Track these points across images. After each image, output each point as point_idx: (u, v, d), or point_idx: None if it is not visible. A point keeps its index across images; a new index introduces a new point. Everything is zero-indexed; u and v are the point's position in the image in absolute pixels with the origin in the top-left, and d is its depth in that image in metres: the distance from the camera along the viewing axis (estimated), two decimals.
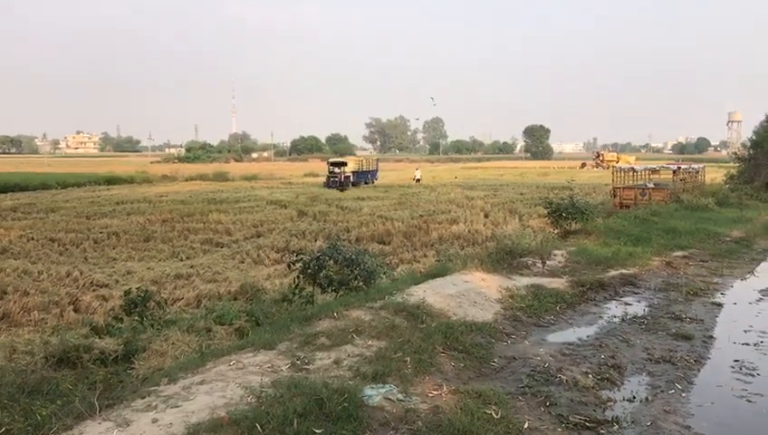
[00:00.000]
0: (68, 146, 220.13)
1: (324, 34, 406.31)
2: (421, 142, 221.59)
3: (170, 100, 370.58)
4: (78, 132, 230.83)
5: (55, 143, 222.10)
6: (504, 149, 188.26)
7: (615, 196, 30.18)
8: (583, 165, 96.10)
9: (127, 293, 10.16)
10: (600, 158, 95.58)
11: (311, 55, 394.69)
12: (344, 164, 54.29)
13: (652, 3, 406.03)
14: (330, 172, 52.93)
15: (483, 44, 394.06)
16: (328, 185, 50.73)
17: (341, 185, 50.17)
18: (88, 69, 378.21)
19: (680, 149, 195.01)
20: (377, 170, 60.58)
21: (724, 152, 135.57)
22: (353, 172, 54.12)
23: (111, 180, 56.87)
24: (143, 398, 5.58)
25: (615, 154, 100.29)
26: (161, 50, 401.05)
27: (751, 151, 39.10)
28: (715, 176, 40.44)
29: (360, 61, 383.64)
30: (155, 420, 5.05)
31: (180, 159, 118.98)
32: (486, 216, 30.49)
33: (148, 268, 19.17)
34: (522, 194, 42.05)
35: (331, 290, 10.49)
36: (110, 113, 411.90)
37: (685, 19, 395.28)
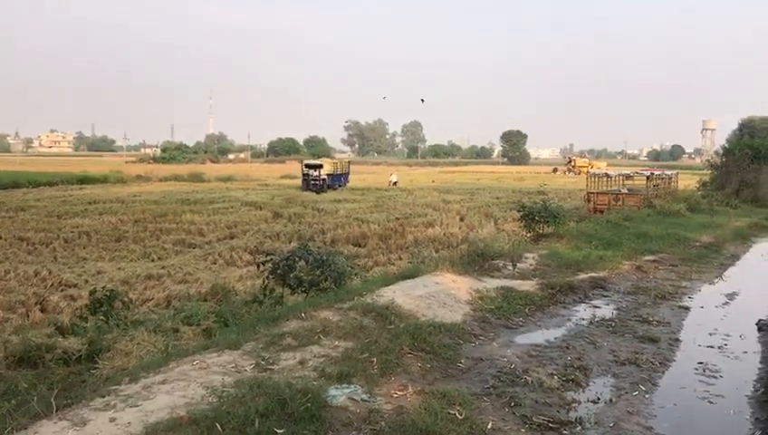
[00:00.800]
0: (41, 145, 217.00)
1: (303, 37, 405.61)
2: (400, 146, 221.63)
3: (146, 99, 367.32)
4: (52, 131, 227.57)
5: (28, 142, 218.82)
6: (481, 154, 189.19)
7: (589, 201, 30.51)
8: (555, 170, 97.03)
9: (92, 292, 10.02)
10: (572, 163, 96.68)
11: (289, 57, 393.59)
12: (320, 166, 53.04)
13: (628, 11, 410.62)
14: (305, 175, 51.71)
15: (462, 49, 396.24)
16: (307, 187, 49.31)
17: (321, 188, 48.81)
18: (62, 68, 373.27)
19: (655, 156, 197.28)
20: (348, 173, 59.11)
21: (698, 160, 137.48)
22: (328, 175, 52.65)
23: (85, 180, 56.15)
24: (102, 397, 5.49)
25: (587, 160, 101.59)
26: (137, 49, 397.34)
27: (723, 159, 39.75)
28: (689, 183, 40.99)
29: (338, 63, 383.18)
30: (113, 420, 4.96)
31: (155, 160, 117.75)
32: (462, 219, 30.63)
33: (119, 268, 18.97)
34: (498, 198, 42.27)
35: (301, 291, 10.44)
36: (84, 112, 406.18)
37: (661, 29, 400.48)
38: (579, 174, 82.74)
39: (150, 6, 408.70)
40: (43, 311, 13.89)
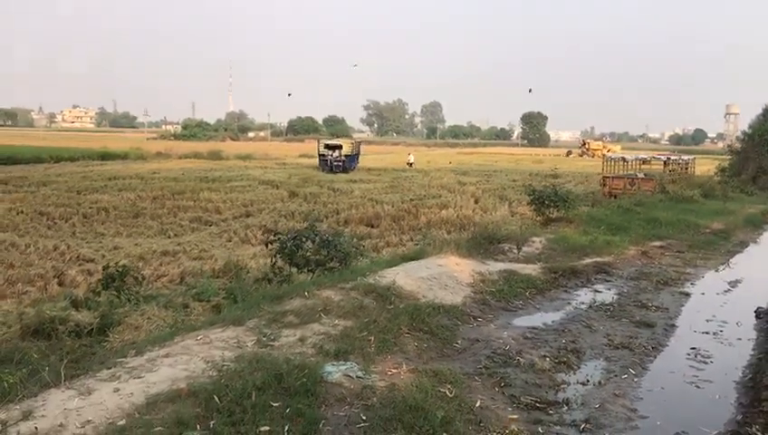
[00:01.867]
0: (64, 120, 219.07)
1: (324, 16, 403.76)
2: (419, 126, 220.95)
3: (168, 76, 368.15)
4: (74, 107, 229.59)
5: (51, 117, 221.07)
6: (501, 136, 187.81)
7: (605, 185, 30.42)
8: (569, 153, 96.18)
9: (105, 267, 10.34)
10: (586, 146, 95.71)
11: (310, 36, 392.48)
12: (340, 147, 51.38)
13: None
14: (321, 155, 49.98)
15: (483, 30, 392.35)
16: (330, 169, 47.08)
17: (343, 169, 47.19)
18: (85, 43, 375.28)
19: (677, 140, 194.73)
20: (359, 154, 54.46)
21: (720, 144, 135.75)
22: (347, 156, 50.17)
23: (105, 156, 56.75)
24: (109, 369, 5.79)
25: (600, 143, 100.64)
26: (159, 26, 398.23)
27: (743, 144, 39.31)
28: (708, 168, 40.66)
29: (359, 42, 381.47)
30: (116, 390, 5.26)
31: (176, 137, 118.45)
32: (477, 201, 30.66)
33: (136, 244, 19.31)
34: (514, 181, 42.13)
35: (308, 270, 10.69)
36: (107, 88, 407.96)
37: (686, 11, 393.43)
38: (593, 157, 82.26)
39: None
40: (60, 284, 14.25)
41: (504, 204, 29.50)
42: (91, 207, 25.45)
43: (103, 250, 18.28)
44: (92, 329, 8.45)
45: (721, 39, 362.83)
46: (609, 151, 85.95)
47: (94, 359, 6.30)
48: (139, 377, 5.58)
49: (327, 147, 51.69)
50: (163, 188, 32.58)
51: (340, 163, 48.46)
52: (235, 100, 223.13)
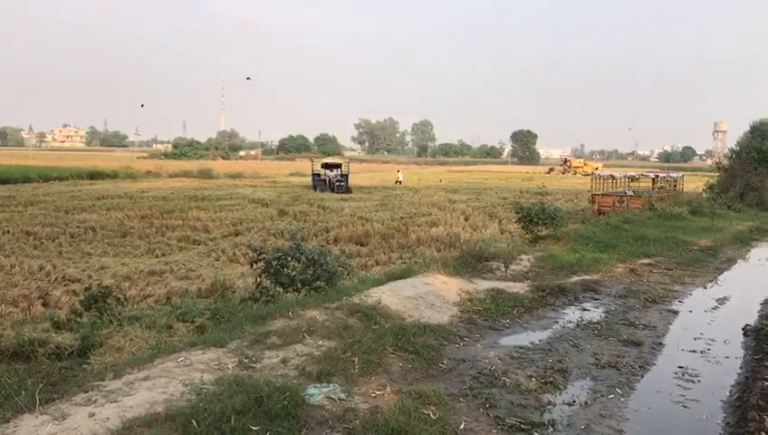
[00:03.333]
0: (54, 139, 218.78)
1: (314, 35, 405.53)
2: (410, 144, 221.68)
3: (159, 95, 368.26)
4: (65, 126, 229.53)
5: (41, 136, 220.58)
6: (491, 154, 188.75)
7: (594, 202, 30.51)
8: (551, 170, 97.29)
9: (88, 288, 10.23)
10: (568, 164, 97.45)
11: (301, 55, 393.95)
12: (339, 166, 49.24)
13: (640, 14, 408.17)
14: (315, 174, 48.06)
15: (474, 49, 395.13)
16: (331, 190, 44.92)
17: (344, 189, 45.09)
18: (75, 63, 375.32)
19: (666, 157, 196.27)
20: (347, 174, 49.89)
21: (709, 161, 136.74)
22: (344, 175, 47.89)
23: (95, 175, 56.59)
24: (85, 392, 5.67)
25: (581, 160, 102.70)
26: (150, 46, 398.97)
27: (731, 161, 39.57)
28: (697, 185, 40.87)
29: (349, 61, 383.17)
30: (92, 415, 5.14)
31: (167, 156, 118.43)
32: (467, 219, 30.65)
33: (123, 264, 19.16)
34: (504, 198, 42.22)
35: (294, 290, 10.59)
36: (97, 107, 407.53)
37: (675, 29, 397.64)
38: (574, 174, 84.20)
39: (161, 4, 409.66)
40: (45, 305, 14.07)
41: (493, 221, 29.50)
42: (78, 227, 25.28)
43: (90, 270, 18.11)
44: (73, 351, 8.31)
45: (710, 57, 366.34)
46: (587, 167, 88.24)
47: (72, 382, 6.17)
48: (116, 401, 5.46)
49: (326, 166, 49.55)
50: (152, 207, 32.45)
51: (343, 183, 46.35)
52: (226, 119, 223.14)
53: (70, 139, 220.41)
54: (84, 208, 31.72)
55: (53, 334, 8.76)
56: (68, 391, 5.71)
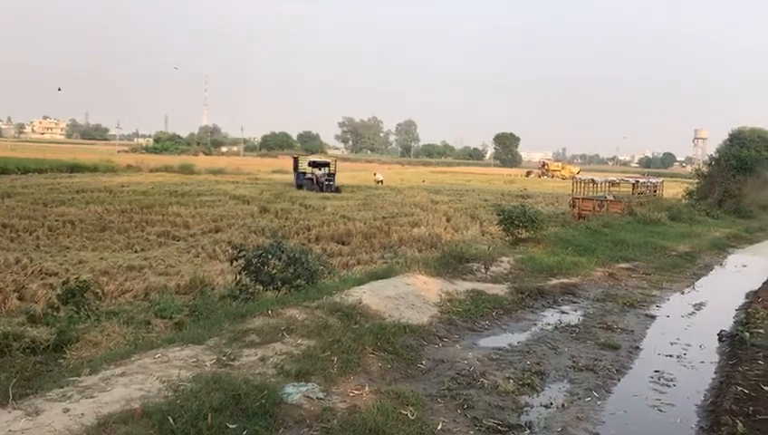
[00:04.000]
0: (34, 131, 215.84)
1: (300, 33, 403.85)
2: (393, 144, 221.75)
3: (141, 89, 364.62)
4: (45, 117, 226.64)
5: (21, 127, 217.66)
6: (474, 155, 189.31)
7: (574, 206, 30.71)
8: (528, 173, 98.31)
9: (65, 282, 10.11)
10: (546, 167, 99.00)
11: (286, 52, 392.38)
12: (327, 164, 47.26)
13: (624, 20, 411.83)
14: (301, 173, 46.44)
15: (459, 50, 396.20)
16: (321, 188, 43.22)
17: (333, 188, 43.46)
18: (56, 55, 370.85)
19: (647, 163, 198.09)
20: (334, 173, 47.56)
21: (689, 168, 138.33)
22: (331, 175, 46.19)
23: (75, 168, 55.90)
24: (61, 388, 5.60)
25: (559, 164, 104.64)
26: (133, 38, 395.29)
27: (710, 168, 40.05)
28: (677, 191, 41.31)
29: (334, 60, 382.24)
30: (66, 410, 5.08)
31: (148, 150, 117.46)
32: (448, 220, 30.70)
33: (101, 258, 18.96)
34: (486, 200, 42.34)
35: (274, 288, 10.54)
36: (79, 100, 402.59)
37: (657, 36, 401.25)
38: (552, 177, 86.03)
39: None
40: (20, 299, 13.86)
41: (475, 223, 29.58)
42: (56, 220, 24.97)
43: (67, 264, 17.90)
44: (49, 346, 8.21)
45: (692, 65, 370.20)
46: (564, 171, 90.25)
47: (47, 377, 6.09)
48: (92, 397, 5.40)
49: (313, 164, 47.75)
50: (131, 201, 32.17)
51: (332, 182, 44.70)
52: (209, 114, 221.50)
53: (50, 131, 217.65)
54: (63, 202, 31.35)
55: (29, 328, 8.66)
56: (42, 386, 5.64)
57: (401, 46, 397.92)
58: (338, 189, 44.08)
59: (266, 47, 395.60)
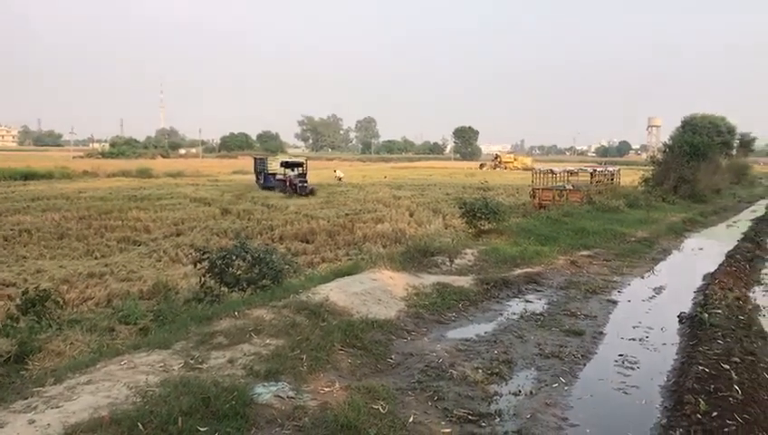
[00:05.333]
0: None
1: (255, 32, 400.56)
2: (354, 141, 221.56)
3: (95, 93, 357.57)
4: None
5: None
6: (434, 150, 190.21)
7: (534, 197, 31.08)
8: (482, 166, 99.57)
9: (24, 292, 9.89)
10: (498, 159, 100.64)
11: (242, 52, 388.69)
12: (300, 165, 44.43)
13: (579, 13, 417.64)
14: (266, 173, 44.77)
15: (415, 46, 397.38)
16: (294, 190, 40.28)
17: (307, 190, 40.26)
18: (6, 59, 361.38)
19: (603, 152, 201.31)
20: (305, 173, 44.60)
21: (644, 156, 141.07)
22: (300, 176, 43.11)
23: (28, 175, 54.47)
24: (25, 399, 5.50)
25: (512, 156, 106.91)
26: (85, 41, 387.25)
27: (665, 155, 40.88)
28: (633, 178, 42.08)
29: (291, 59, 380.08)
30: (32, 422, 4.99)
31: (104, 155, 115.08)
32: (411, 215, 30.79)
33: (60, 267, 18.57)
34: (448, 194, 42.55)
35: (239, 289, 10.47)
36: (30, 106, 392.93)
37: (608, 26, 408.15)
38: (505, 169, 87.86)
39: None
40: None
41: (438, 217, 29.72)
42: (12, 229, 24.35)
43: (25, 274, 17.50)
44: (10, 357, 8.01)
45: (644, 54, 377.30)
46: (517, 162, 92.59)
47: (9, 389, 5.96)
48: (58, 406, 5.31)
49: (285, 165, 44.71)
50: (90, 207, 31.51)
51: (306, 184, 41.40)
52: (165, 116, 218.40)
53: (1, 138, 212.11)
54: (18, 210, 30.56)
55: None
56: (5, 398, 5.52)
57: (357, 44, 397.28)
58: (312, 191, 40.69)
59: (222, 49, 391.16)
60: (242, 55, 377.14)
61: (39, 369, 7.57)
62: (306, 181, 41.84)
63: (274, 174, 44.90)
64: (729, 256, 15.86)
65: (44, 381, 5.97)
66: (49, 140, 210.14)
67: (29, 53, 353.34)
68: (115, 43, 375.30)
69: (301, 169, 43.75)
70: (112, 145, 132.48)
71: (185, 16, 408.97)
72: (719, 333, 8.67)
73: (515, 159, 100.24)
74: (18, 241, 22.54)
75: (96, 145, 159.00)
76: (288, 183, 41.63)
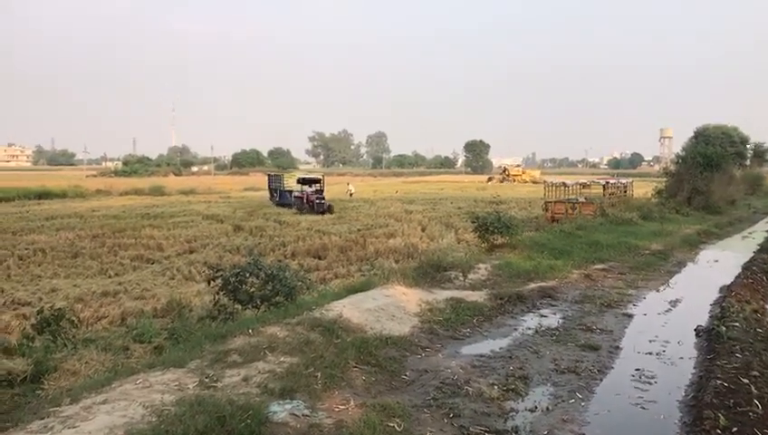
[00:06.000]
0: None
1: (265, 49, 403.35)
2: (365, 156, 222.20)
3: (108, 112, 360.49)
4: (10, 145, 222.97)
5: None
6: (445, 164, 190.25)
7: (547, 210, 30.97)
8: (490, 179, 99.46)
9: (39, 311, 9.94)
10: (506, 172, 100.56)
11: (253, 69, 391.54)
12: (318, 181, 42.53)
13: (591, 25, 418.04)
14: (281, 191, 43.11)
15: (425, 61, 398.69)
16: (312, 208, 38.28)
17: (329, 208, 38.19)
18: (21, 80, 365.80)
19: (616, 164, 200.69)
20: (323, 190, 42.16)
21: (656, 167, 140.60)
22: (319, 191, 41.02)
23: (43, 195, 54.97)
24: (42, 419, 5.52)
25: (520, 169, 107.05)
26: (99, 62, 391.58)
27: (678, 166, 40.69)
28: (646, 190, 41.89)
29: (302, 75, 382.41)
30: None
31: (117, 173, 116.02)
32: (423, 229, 30.72)
33: (75, 285, 18.67)
34: (459, 208, 42.46)
35: (253, 307, 10.48)
36: (44, 126, 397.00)
37: (621, 40, 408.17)
38: (513, 182, 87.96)
39: (110, 19, 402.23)
40: None
41: (450, 231, 29.64)
42: (27, 249, 24.54)
43: (40, 293, 17.59)
44: (26, 377, 8.05)
45: (654, 65, 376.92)
46: (525, 175, 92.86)
47: (26, 409, 5.99)
48: (74, 426, 5.33)
49: (303, 181, 42.82)
50: (103, 226, 31.71)
51: (323, 200, 39.28)
52: (177, 134, 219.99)
53: (15, 158, 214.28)
54: (33, 229, 30.80)
55: (4, 360, 8.47)
56: (22, 418, 5.55)
57: (368, 58, 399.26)
58: (330, 208, 38.56)
59: (232, 65, 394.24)
60: (252, 72, 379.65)
61: (55, 388, 7.58)
62: (323, 198, 39.99)
63: (291, 191, 43.29)
64: (745, 267, 15.72)
65: (60, 400, 5.99)
66: (63, 159, 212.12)
67: (42, 74, 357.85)
68: (127, 63, 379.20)
69: (318, 185, 42.00)
70: (125, 163, 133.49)
71: (196, 34, 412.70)
72: (737, 347, 8.58)
73: (523, 172, 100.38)
74: (33, 260, 22.70)
75: (109, 164, 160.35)
76: (306, 200, 39.78)
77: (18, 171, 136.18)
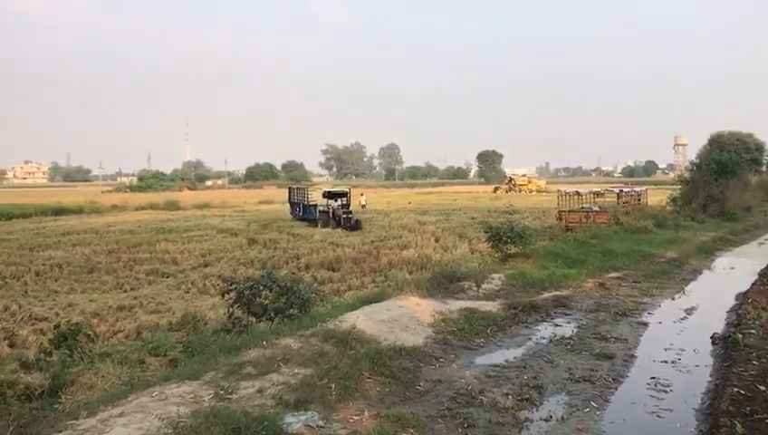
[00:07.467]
0: (15, 176, 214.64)
1: (279, 62, 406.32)
2: (377, 168, 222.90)
3: (123, 128, 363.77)
4: (26, 162, 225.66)
5: (2, 174, 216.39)
6: (458, 175, 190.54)
7: (561, 219, 30.89)
8: (496, 189, 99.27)
9: (56, 326, 10.05)
10: (513, 182, 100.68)
11: (266, 82, 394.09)
12: (344, 194, 40.90)
13: (602, 33, 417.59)
14: (312, 205, 40.90)
15: (438, 72, 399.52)
16: (338, 223, 36.81)
17: (357, 224, 36.43)
18: (37, 98, 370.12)
19: (630, 172, 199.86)
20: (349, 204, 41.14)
21: (671, 175, 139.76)
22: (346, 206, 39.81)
23: (59, 211, 55.56)
24: (59, 432, 5.58)
25: (526, 178, 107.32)
26: (113, 78, 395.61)
27: (692, 174, 40.42)
28: (661, 198, 41.64)
29: (315, 87, 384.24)
30: None
31: (132, 189, 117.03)
32: (437, 240, 30.75)
33: (91, 300, 18.87)
34: (473, 218, 42.41)
35: (267, 319, 10.53)
36: (60, 142, 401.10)
37: (633, 47, 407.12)
38: (520, 191, 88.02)
39: (125, 35, 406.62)
40: (11, 346, 13.79)
41: (463, 242, 29.64)
42: (43, 265, 24.83)
43: (57, 308, 17.81)
44: (44, 391, 8.14)
45: (668, 72, 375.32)
46: (531, 185, 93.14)
47: (44, 423, 6.06)
48: None
49: (328, 195, 40.93)
50: (118, 241, 32.00)
51: (350, 215, 37.90)
52: (192, 149, 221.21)
53: (32, 175, 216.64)
54: (49, 245, 31.15)
55: (22, 375, 8.57)
56: (40, 432, 5.62)
57: (381, 71, 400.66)
58: (358, 223, 36.61)
59: (246, 80, 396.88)
60: (265, 85, 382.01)
61: (72, 402, 7.66)
62: (350, 212, 38.44)
63: (315, 205, 41.05)
64: (762, 274, 15.57)
65: (78, 414, 6.05)
66: (78, 175, 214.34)
67: (57, 92, 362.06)
68: (141, 78, 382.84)
69: (345, 199, 40.18)
70: (140, 179, 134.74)
71: (208, 49, 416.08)
72: (754, 354, 8.51)
73: (529, 182, 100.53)
74: (50, 276, 22.97)
75: (124, 179, 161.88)
76: (332, 215, 38.01)
77: (35, 188, 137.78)
